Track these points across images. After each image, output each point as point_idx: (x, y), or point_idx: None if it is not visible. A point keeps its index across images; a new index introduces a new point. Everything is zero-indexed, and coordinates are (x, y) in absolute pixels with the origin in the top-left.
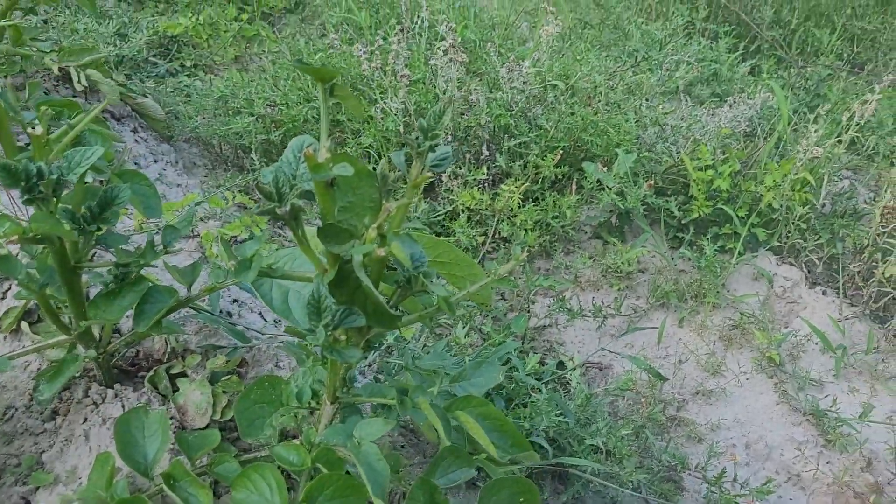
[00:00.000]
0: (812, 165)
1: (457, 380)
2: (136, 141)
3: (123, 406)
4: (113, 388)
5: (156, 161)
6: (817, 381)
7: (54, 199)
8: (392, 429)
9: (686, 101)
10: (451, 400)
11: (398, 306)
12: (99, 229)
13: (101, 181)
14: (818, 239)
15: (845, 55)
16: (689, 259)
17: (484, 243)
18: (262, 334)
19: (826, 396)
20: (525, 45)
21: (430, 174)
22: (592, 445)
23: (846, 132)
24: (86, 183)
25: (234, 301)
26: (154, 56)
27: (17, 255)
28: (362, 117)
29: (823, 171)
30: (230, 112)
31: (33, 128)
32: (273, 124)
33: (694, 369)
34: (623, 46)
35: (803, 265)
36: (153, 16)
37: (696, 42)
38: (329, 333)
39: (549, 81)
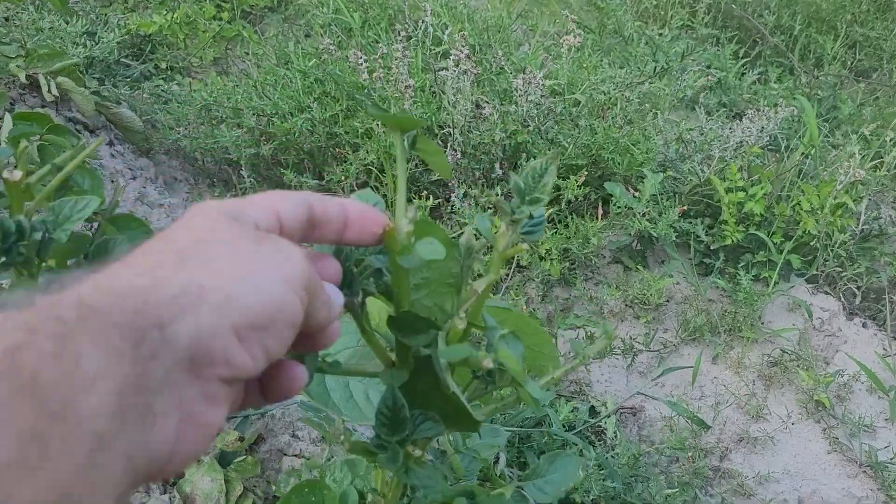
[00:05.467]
0: (853, 189)
1: (529, 477)
2: (112, 155)
3: None
4: None
5: (134, 178)
6: (869, 427)
7: (38, 261)
8: None
9: (698, 112)
10: None
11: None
12: None
13: (91, 227)
14: (857, 267)
15: (849, 62)
16: (722, 289)
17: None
18: None
19: (884, 447)
20: (521, 48)
21: (524, 246)
22: None
23: (888, 154)
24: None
25: None
26: (126, 57)
27: None
28: (449, 177)
29: (864, 195)
30: (214, 122)
31: (10, 171)
32: (263, 137)
33: (734, 412)
34: (624, 52)
35: (841, 295)
36: (123, 12)
37: (700, 48)
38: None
39: (567, 95)
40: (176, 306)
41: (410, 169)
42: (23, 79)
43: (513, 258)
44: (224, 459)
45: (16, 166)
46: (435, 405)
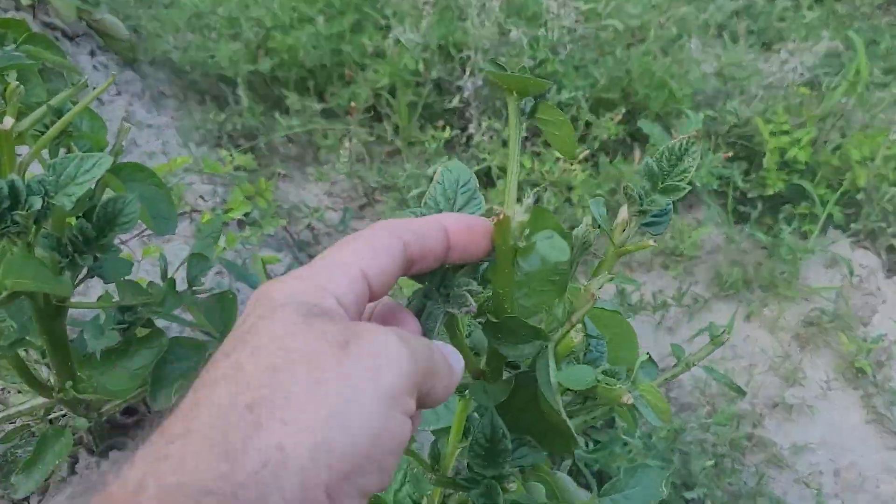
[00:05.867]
0: None
1: (608, 492)
2: (94, 67)
3: None
4: (108, 458)
5: (119, 93)
6: None
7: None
8: None
9: (725, 40)
10: None
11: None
12: (96, 258)
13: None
14: None
15: None
16: (759, 242)
17: None
18: None
19: None
20: None
21: (651, 242)
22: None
23: None
24: None
25: (242, 303)
26: None
27: None
28: (573, 157)
29: None
30: (206, 30)
31: (2, 120)
32: (260, 50)
33: (768, 376)
34: None
35: (882, 251)
36: None
37: None
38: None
39: (605, 21)
40: (257, 489)
41: (421, 94)
42: None
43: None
44: None
45: (4, 111)
46: (527, 424)
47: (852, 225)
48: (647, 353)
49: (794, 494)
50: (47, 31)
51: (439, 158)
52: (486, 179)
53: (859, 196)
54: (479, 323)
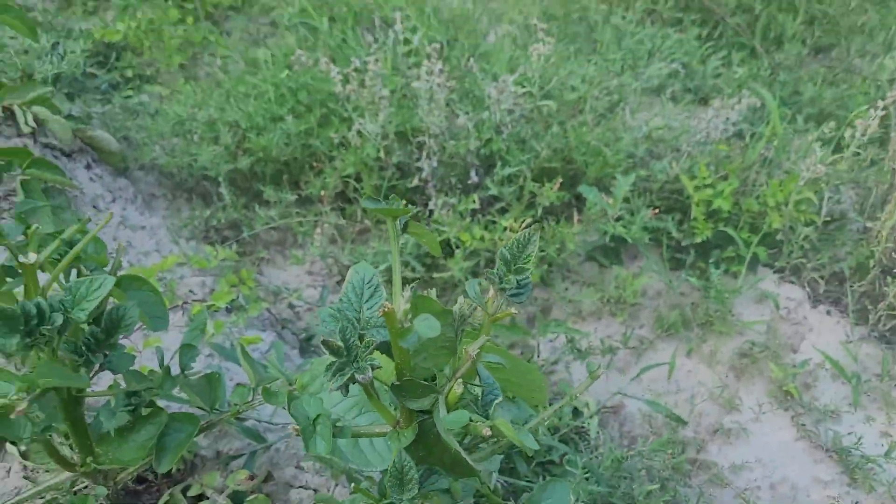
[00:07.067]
0: (814, 183)
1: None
2: (91, 179)
3: None
4: None
5: (114, 200)
6: (834, 412)
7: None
8: None
9: (663, 100)
10: None
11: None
12: (105, 356)
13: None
14: (820, 258)
15: (808, 40)
16: (694, 284)
17: (476, 275)
18: (273, 424)
19: (847, 433)
20: (486, 37)
21: (513, 310)
22: None
23: (847, 148)
24: None
25: (230, 379)
26: (92, 66)
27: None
28: (438, 252)
29: (825, 187)
30: (188, 135)
31: (26, 256)
32: (239, 150)
33: (708, 405)
34: (590, 39)
35: (806, 284)
36: (83, 16)
37: (663, 33)
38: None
39: (539, 102)
40: None
41: (384, 177)
42: None
43: (492, 264)
44: (237, 499)
45: (27, 245)
46: (438, 458)
47: (777, 263)
48: (513, 395)
49: None
50: (47, 151)
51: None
52: (448, 249)
53: (779, 237)
54: (389, 385)
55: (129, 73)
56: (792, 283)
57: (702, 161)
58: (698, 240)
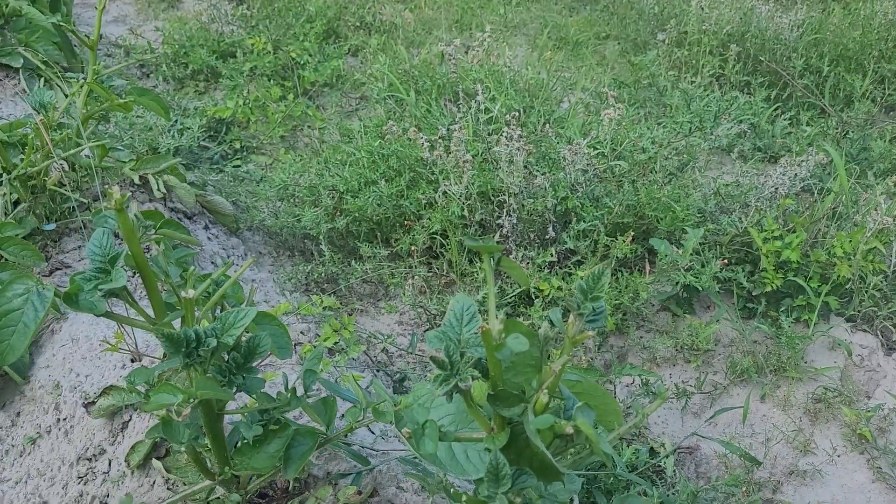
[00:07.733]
0: (881, 234)
1: None
2: (208, 238)
3: None
4: None
5: (228, 256)
6: None
7: (210, 361)
8: None
9: (732, 158)
10: None
11: None
12: (243, 378)
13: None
14: (892, 306)
15: (878, 99)
16: (765, 333)
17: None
18: (374, 450)
19: None
20: (560, 104)
21: (591, 332)
22: None
23: None
24: None
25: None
26: (205, 140)
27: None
28: (527, 284)
29: (895, 238)
30: (291, 199)
31: (186, 292)
32: (336, 211)
33: (783, 447)
34: (660, 103)
35: (879, 332)
36: (195, 94)
37: (731, 97)
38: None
39: (611, 163)
40: None
41: (468, 233)
42: (136, 179)
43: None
44: None
45: (185, 283)
46: (527, 462)
47: (848, 311)
48: (586, 403)
49: None
50: (174, 214)
51: (486, 285)
52: (527, 299)
53: (849, 286)
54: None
55: (237, 145)
56: (864, 331)
57: (769, 215)
58: (768, 289)
